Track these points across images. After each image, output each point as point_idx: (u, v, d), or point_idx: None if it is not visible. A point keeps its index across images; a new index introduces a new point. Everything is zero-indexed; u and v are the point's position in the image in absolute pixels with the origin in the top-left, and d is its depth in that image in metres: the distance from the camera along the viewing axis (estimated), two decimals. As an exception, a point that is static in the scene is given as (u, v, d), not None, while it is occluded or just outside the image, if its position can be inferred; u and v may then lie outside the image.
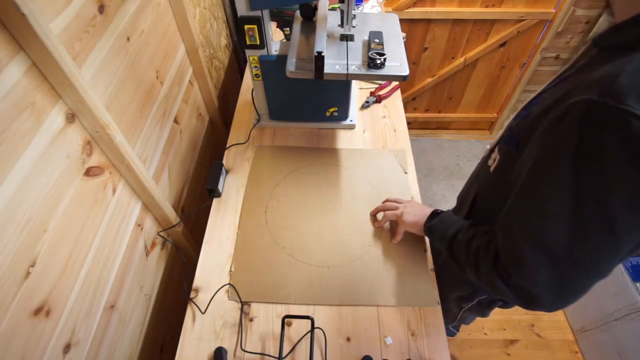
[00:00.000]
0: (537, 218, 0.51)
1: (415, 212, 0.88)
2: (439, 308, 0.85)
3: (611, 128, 0.41)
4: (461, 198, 0.90)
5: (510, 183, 0.59)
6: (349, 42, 0.98)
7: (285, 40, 1.33)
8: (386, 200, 1.01)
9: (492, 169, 0.70)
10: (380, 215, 0.99)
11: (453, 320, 1.15)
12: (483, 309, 0.98)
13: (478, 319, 1.64)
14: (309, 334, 0.79)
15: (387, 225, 0.98)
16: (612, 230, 0.45)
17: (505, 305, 0.96)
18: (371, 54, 0.89)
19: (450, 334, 1.43)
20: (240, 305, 0.85)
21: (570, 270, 0.49)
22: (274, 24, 1.31)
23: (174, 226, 0.99)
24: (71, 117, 0.63)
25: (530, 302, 0.55)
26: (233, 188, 1.07)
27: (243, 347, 0.79)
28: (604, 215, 0.44)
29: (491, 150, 0.72)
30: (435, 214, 0.83)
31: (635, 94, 0.39)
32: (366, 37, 0.97)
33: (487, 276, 0.60)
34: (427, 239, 0.96)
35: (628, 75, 0.41)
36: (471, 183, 0.84)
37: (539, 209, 0.50)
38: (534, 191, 0.52)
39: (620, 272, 1.39)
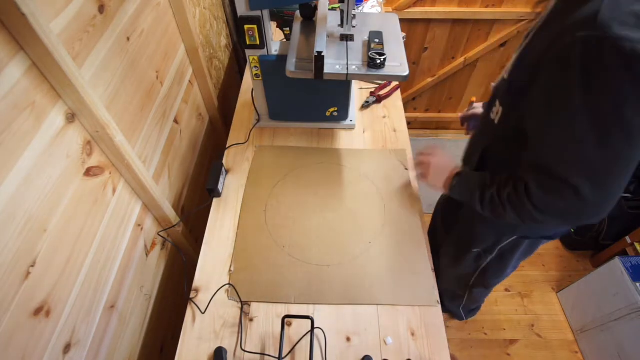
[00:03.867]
0: (568, 146, 0.59)
1: (439, 173, 0.87)
2: (439, 308, 0.85)
3: (606, 52, 0.50)
4: (468, 156, 0.92)
5: (516, 129, 0.68)
6: (349, 42, 0.98)
7: (285, 40, 1.33)
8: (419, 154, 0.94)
9: (496, 121, 0.76)
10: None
11: (460, 300, 1.21)
12: (503, 261, 1.00)
13: (477, 319, 1.65)
14: (309, 334, 0.79)
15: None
16: (631, 134, 0.53)
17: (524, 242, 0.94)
18: (371, 54, 0.89)
19: (463, 316, 1.47)
20: (240, 305, 0.85)
21: (604, 179, 0.58)
22: (274, 24, 1.31)
23: (173, 226, 0.99)
24: (71, 117, 0.63)
25: (578, 215, 0.62)
26: (233, 188, 1.07)
27: (243, 347, 0.79)
28: (622, 124, 0.53)
29: (491, 105, 0.79)
30: (457, 174, 0.84)
31: (616, 23, 0.49)
32: (366, 37, 0.97)
33: (528, 214, 0.66)
34: (426, 238, 0.97)
35: (606, 9, 0.51)
36: (476, 141, 0.90)
37: (566, 139, 0.58)
38: (557, 125, 0.59)
39: (620, 272, 1.39)
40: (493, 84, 0.81)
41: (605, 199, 0.59)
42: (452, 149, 2.32)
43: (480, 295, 1.28)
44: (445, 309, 1.57)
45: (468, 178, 0.80)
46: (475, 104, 1.06)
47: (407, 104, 2.28)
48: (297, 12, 1.09)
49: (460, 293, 1.24)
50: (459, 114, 1.06)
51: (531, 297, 1.75)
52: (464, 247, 1.04)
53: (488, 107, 0.80)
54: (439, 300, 0.86)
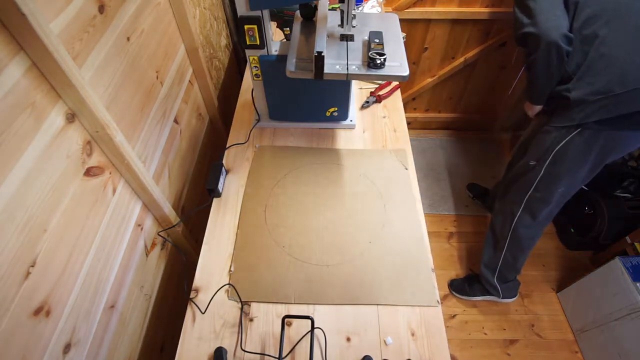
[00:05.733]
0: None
1: None
2: (439, 308, 0.85)
3: None
4: None
5: None
6: (349, 42, 0.98)
7: (285, 40, 1.33)
8: None
9: None
10: None
11: (499, 255, 1.44)
12: (556, 168, 1.20)
13: (477, 319, 1.65)
14: (309, 334, 0.79)
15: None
16: None
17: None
18: (371, 54, 0.89)
19: (499, 290, 1.56)
20: (240, 305, 0.85)
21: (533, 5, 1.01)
22: (274, 24, 1.31)
23: (174, 226, 0.99)
24: (71, 117, 0.63)
25: (528, 37, 1.03)
26: (233, 188, 1.07)
27: (243, 347, 0.79)
28: None
29: None
30: None
31: None
32: (366, 37, 0.97)
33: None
34: (427, 239, 0.97)
35: None
36: None
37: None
38: None
39: (620, 272, 1.39)
40: None
41: (536, 18, 1.00)
42: (451, 149, 2.33)
43: (524, 240, 1.39)
44: (478, 290, 1.63)
45: None
46: None
47: (407, 104, 2.28)
48: (297, 12, 1.09)
49: (502, 238, 1.41)
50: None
51: (531, 297, 1.75)
52: (523, 163, 1.28)
53: None
54: (439, 300, 0.86)
